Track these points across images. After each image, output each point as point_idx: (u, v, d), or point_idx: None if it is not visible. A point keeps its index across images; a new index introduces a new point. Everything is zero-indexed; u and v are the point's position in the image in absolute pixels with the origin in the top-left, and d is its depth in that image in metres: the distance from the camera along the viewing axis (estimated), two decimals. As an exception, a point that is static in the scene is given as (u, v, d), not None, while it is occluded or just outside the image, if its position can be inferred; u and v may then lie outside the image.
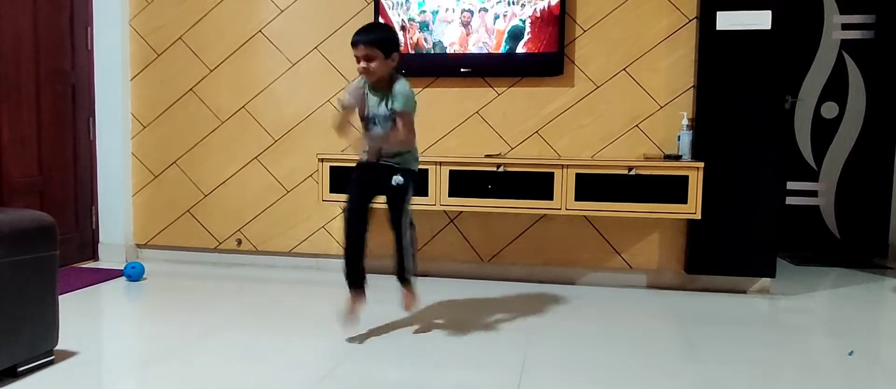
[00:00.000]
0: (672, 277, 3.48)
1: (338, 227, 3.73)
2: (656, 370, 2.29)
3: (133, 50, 3.93)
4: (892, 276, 3.91)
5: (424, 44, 3.49)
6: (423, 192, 3.30)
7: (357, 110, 2.51)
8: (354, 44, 2.42)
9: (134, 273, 3.46)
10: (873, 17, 4.49)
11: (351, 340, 2.53)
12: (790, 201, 4.68)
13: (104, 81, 3.92)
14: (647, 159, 3.26)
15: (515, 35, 3.41)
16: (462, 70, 3.49)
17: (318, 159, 3.43)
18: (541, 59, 3.41)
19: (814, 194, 4.68)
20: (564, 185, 3.20)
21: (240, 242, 3.89)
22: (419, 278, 3.57)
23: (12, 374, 2.07)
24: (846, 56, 4.54)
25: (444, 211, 3.60)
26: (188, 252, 3.97)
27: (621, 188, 3.16)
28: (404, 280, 2.63)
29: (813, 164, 4.66)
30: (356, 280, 2.58)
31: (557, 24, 3.35)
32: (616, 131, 3.46)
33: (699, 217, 3.15)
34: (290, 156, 3.78)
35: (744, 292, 3.39)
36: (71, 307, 2.87)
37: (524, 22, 3.38)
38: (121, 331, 2.81)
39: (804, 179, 4.67)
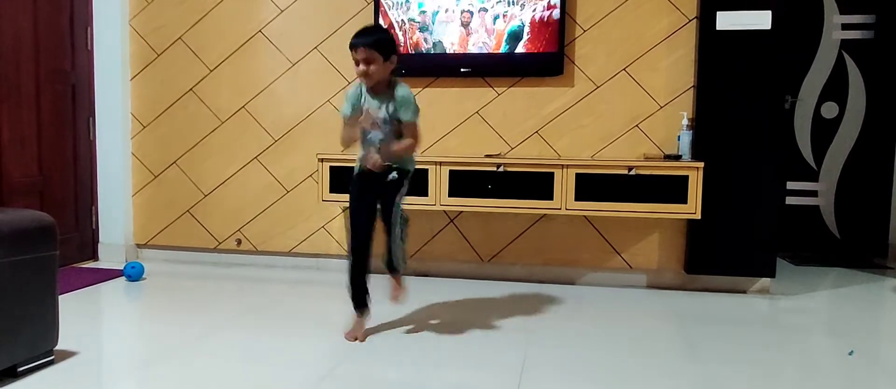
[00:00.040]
0: (672, 277, 3.48)
1: (338, 227, 3.73)
2: (656, 370, 2.29)
3: (133, 50, 3.93)
4: (892, 276, 3.91)
5: (424, 44, 3.49)
6: (423, 192, 3.30)
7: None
8: (353, 47, 2.40)
9: (134, 273, 3.46)
10: (873, 17, 4.49)
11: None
12: (790, 201, 4.68)
13: (104, 81, 3.92)
14: (647, 159, 3.26)
15: (515, 36, 3.41)
16: (462, 70, 3.49)
17: (318, 159, 3.43)
18: (541, 59, 3.41)
19: (814, 194, 4.68)
20: (564, 185, 3.20)
21: (240, 242, 3.89)
22: (419, 278, 3.60)
23: (12, 374, 2.07)
24: (846, 56, 4.54)
25: (444, 211, 3.60)
26: (188, 252, 3.97)
27: (621, 188, 3.16)
28: (393, 271, 2.66)
29: (813, 164, 4.66)
30: (362, 301, 2.58)
31: (557, 25, 3.35)
32: (616, 131, 3.46)
33: (699, 217, 3.15)
34: (290, 156, 3.78)
35: (744, 292, 3.39)
36: (71, 307, 2.87)
37: (523, 24, 3.38)
38: (121, 331, 2.81)
39: (804, 179, 4.67)
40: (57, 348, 2.22)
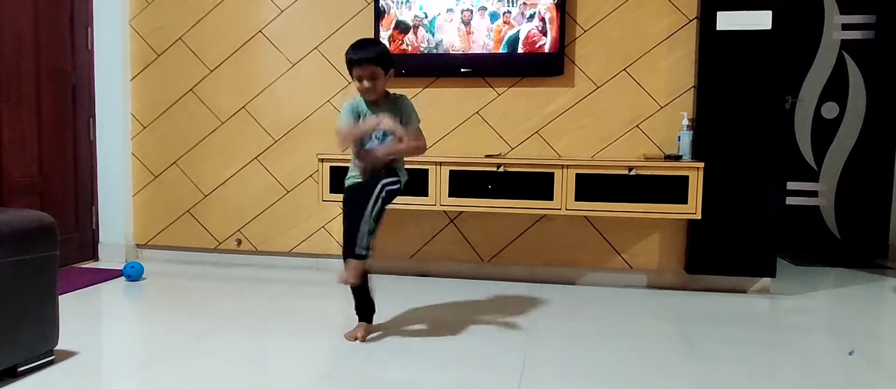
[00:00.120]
0: (672, 277, 3.48)
1: (338, 227, 3.73)
2: (656, 369, 2.29)
3: (133, 50, 3.93)
4: (892, 276, 3.91)
5: (426, 43, 3.49)
6: (424, 192, 3.30)
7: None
8: (356, 63, 2.36)
9: (133, 273, 3.46)
10: (873, 18, 4.49)
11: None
12: (790, 201, 4.68)
13: (104, 81, 3.92)
14: (647, 159, 3.26)
15: (512, 43, 3.41)
16: (462, 70, 3.49)
17: (318, 159, 3.43)
18: (541, 59, 3.41)
19: (814, 194, 4.68)
20: (564, 185, 3.20)
21: (240, 242, 3.89)
22: (419, 278, 3.60)
23: (12, 374, 2.07)
24: (846, 56, 4.54)
25: (444, 211, 3.60)
26: (188, 252, 3.97)
27: (621, 189, 3.16)
28: (354, 256, 2.39)
29: (813, 164, 4.66)
30: (365, 314, 2.58)
31: (557, 27, 3.36)
32: (616, 132, 3.46)
33: (699, 217, 3.15)
34: (290, 156, 3.78)
35: (744, 292, 3.39)
36: (71, 307, 2.87)
37: (519, 33, 3.38)
38: (121, 331, 2.81)
39: (804, 179, 4.67)
40: (57, 348, 2.22)
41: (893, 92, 4.48)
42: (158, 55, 3.90)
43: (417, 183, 3.27)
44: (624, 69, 3.43)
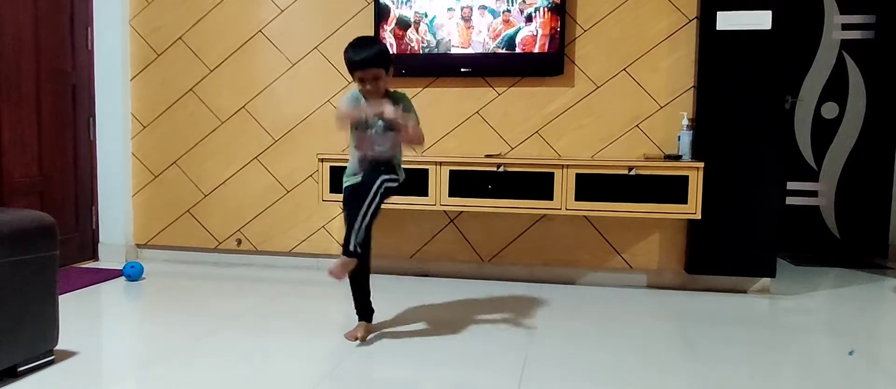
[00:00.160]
0: (672, 277, 3.48)
1: (338, 227, 3.73)
2: (656, 369, 2.29)
3: (133, 50, 3.93)
4: (892, 276, 3.91)
5: (427, 41, 3.49)
6: (424, 192, 3.30)
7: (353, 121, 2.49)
8: (359, 65, 2.35)
9: (133, 273, 3.46)
10: (873, 18, 4.49)
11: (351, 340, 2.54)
12: (790, 201, 4.68)
13: (104, 81, 3.92)
14: (647, 159, 3.26)
15: (512, 40, 3.41)
16: (462, 70, 3.50)
17: (319, 159, 3.43)
18: (541, 59, 3.41)
19: (814, 194, 4.68)
20: (564, 185, 3.20)
21: (240, 242, 3.89)
22: (419, 278, 3.60)
23: (12, 374, 2.07)
24: (846, 56, 4.54)
25: (444, 211, 3.60)
26: (188, 252, 3.97)
27: (621, 188, 3.16)
28: (348, 253, 2.35)
29: (813, 164, 4.66)
30: (365, 314, 2.58)
31: (556, 26, 3.36)
32: (616, 131, 3.46)
33: (699, 217, 3.15)
34: (290, 156, 3.78)
35: (744, 292, 3.39)
36: (71, 307, 2.87)
37: (518, 30, 3.38)
38: (121, 331, 2.81)
39: (804, 179, 4.67)
40: (57, 348, 2.22)
41: (893, 92, 4.49)
42: (158, 55, 3.90)
43: (417, 183, 3.27)
44: (624, 69, 3.43)
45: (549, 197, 3.22)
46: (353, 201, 2.44)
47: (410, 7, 3.48)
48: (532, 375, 2.18)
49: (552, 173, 3.21)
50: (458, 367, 2.27)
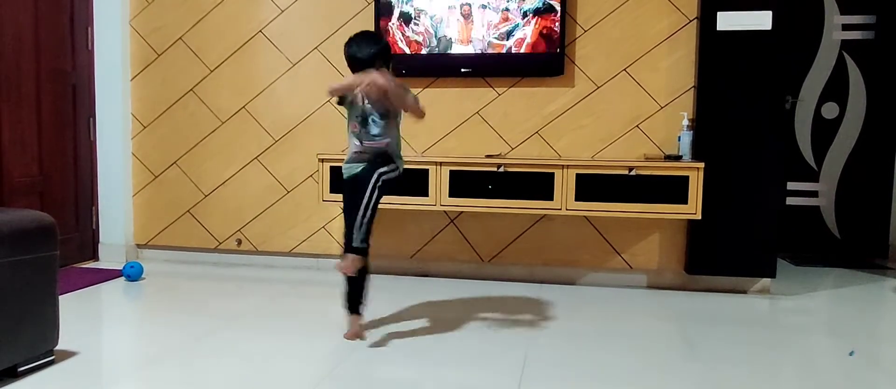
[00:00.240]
0: (672, 277, 3.48)
1: (338, 227, 3.73)
2: (656, 369, 2.29)
3: (133, 50, 3.93)
4: (892, 276, 3.91)
5: (427, 39, 3.49)
6: (424, 192, 3.30)
7: (349, 106, 2.49)
8: (360, 63, 2.36)
9: (133, 273, 3.46)
10: (874, 18, 4.49)
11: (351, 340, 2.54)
12: (790, 201, 4.68)
13: (104, 81, 3.92)
14: (647, 159, 3.26)
15: (510, 38, 3.41)
16: (462, 70, 3.50)
17: (319, 159, 3.43)
18: (541, 59, 3.41)
19: (814, 194, 4.68)
20: (565, 185, 3.20)
21: (240, 242, 3.89)
22: (419, 278, 3.60)
23: (12, 374, 2.07)
24: (847, 56, 4.54)
25: (444, 211, 3.60)
26: (188, 252, 3.97)
27: (621, 189, 3.16)
28: (351, 249, 2.39)
29: (813, 164, 4.66)
30: (354, 305, 2.58)
31: (556, 26, 3.36)
32: (616, 132, 3.46)
33: (699, 217, 3.15)
34: (290, 156, 3.78)
35: (744, 292, 3.39)
36: (71, 307, 2.87)
37: (516, 29, 3.38)
38: (121, 331, 2.81)
39: (804, 179, 4.67)
40: (57, 348, 2.22)
41: (893, 92, 4.48)
42: (158, 55, 3.90)
43: (417, 183, 3.27)
44: (624, 69, 3.43)
45: (550, 197, 3.22)
46: (352, 194, 2.47)
47: (411, 4, 3.48)
48: (532, 375, 2.18)
49: (552, 174, 3.21)
50: (458, 367, 2.27)
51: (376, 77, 2.29)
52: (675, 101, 3.40)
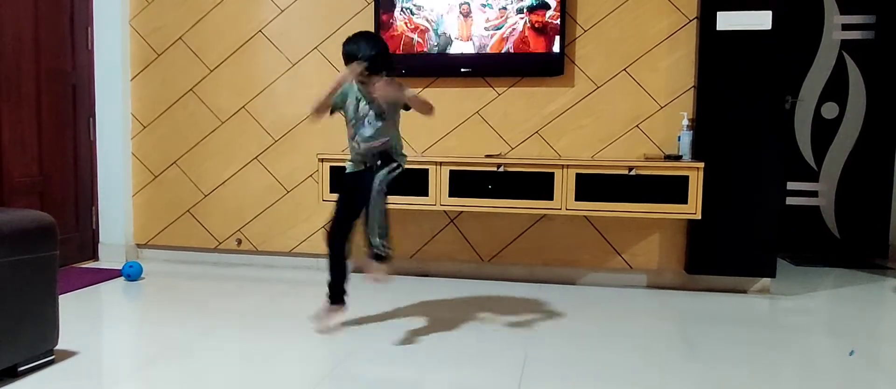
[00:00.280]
0: (672, 277, 3.47)
1: (338, 227, 3.73)
2: (657, 369, 2.29)
3: (133, 50, 3.93)
4: (892, 276, 3.91)
5: (428, 38, 3.49)
6: (424, 192, 3.30)
7: (344, 111, 2.52)
8: (368, 72, 2.36)
9: (132, 273, 3.46)
10: (873, 18, 4.49)
11: (351, 340, 2.54)
12: (790, 201, 4.68)
13: (104, 81, 3.92)
14: (647, 159, 3.26)
15: (509, 38, 3.41)
16: (462, 70, 3.50)
17: (318, 159, 3.43)
18: (541, 59, 3.41)
19: (814, 194, 4.68)
20: (565, 185, 3.20)
21: (240, 242, 3.89)
22: (419, 278, 3.60)
23: (12, 374, 2.07)
24: (846, 56, 4.54)
25: (444, 211, 3.60)
26: (188, 252, 3.97)
27: (621, 188, 3.16)
28: (377, 258, 2.47)
29: (813, 164, 4.66)
30: (339, 294, 2.62)
31: (556, 26, 3.36)
32: (616, 132, 3.46)
33: (699, 217, 3.15)
34: (290, 156, 3.78)
35: (744, 292, 3.39)
36: (71, 307, 2.87)
37: (515, 28, 3.39)
38: (121, 331, 2.81)
39: (804, 179, 4.67)
40: (57, 348, 2.22)
41: (893, 92, 4.48)
42: (158, 55, 3.90)
43: (417, 183, 3.27)
44: (624, 69, 3.43)
45: (550, 197, 3.22)
46: (350, 191, 2.53)
47: (411, 2, 3.48)
48: (532, 375, 2.18)
49: (552, 173, 3.21)
50: (457, 367, 2.27)
51: (383, 85, 2.33)
52: (675, 101, 3.40)
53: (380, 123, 2.45)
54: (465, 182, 3.28)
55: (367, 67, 2.36)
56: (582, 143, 3.49)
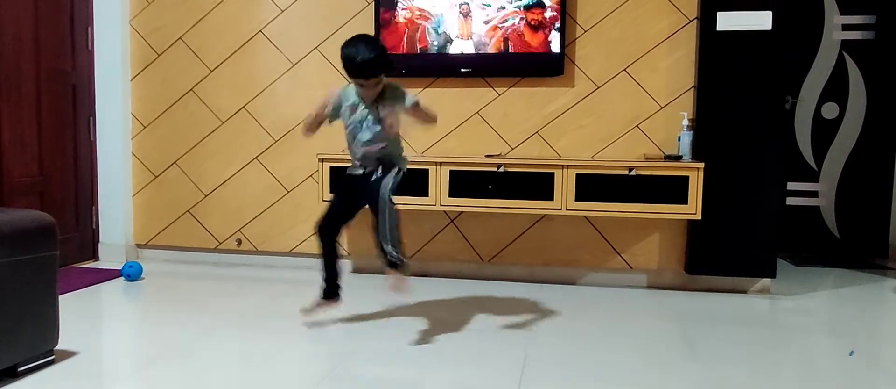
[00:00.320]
0: (672, 277, 3.47)
1: (338, 227, 3.73)
2: (657, 369, 2.29)
3: (133, 50, 3.93)
4: (892, 276, 3.91)
5: (428, 37, 3.49)
6: (424, 192, 3.30)
7: (342, 118, 2.54)
8: (366, 77, 2.36)
9: (132, 273, 3.46)
10: (874, 18, 4.49)
11: (351, 340, 2.54)
12: (790, 201, 4.68)
13: (104, 81, 3.92)
14: (647, 159, 3.26)
15: (508, 37, 3.41)
16: (462, 70, 3.50)
17: (319, 159, 3.43)
18: (541, 59, 3.41)
19: (814, 194, 4.68)
20: (565, 185, 3.20)
21: (240, 242, 3.89)
22: (419, 278, 3.60)
23: (12, 374, 2.07)
24: (847, 56, 4.54)
25: (445, 211, 3.60)
26: (188, 252, 3.97)
27: (622, 189, 3.16)
28: (392, 265, 2.48)
29: (813, 164, 4.66)
30: (331, 291, 2.68)
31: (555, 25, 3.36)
32: (616, 132, 3.46)
33: (699, 218, 3.15)
34: (290, 156, 3.78)
35: (744, 292, 3.39)
36: (71, 307, 2.87)
37: (514, 27, 3.39)
38: (121, 331, 2.81)
39: (804, 179, 4.67)
40: (57, 348, 2.22)
41: (893, 92, 4.48)
42: (158, 55, 3.90)
43: (417, 183, 3.27)
44: (624, 69, 3.43)
45: (550, 197, 3.22)
46: (348, 192, 2.59)
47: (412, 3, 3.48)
48: (532, 375, 2.18)
49: (552, 174, 3.21)
50: (457, 367, 2.27)
51: (395, 122, 2.38)
52: (675, 101, 3.40)
53: (378, 128, 2.45)
54: (465, 182, 3.28)
55: (366, 71, 2.35)
56: (582, 143, 3.49)
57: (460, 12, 3.45)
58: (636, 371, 2.27)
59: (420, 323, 2.75)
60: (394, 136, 2.49)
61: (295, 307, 3.06)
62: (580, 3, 3.43)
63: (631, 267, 3.50)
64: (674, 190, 3.13)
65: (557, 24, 3.36)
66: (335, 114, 2.53)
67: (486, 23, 3.42)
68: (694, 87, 3.36)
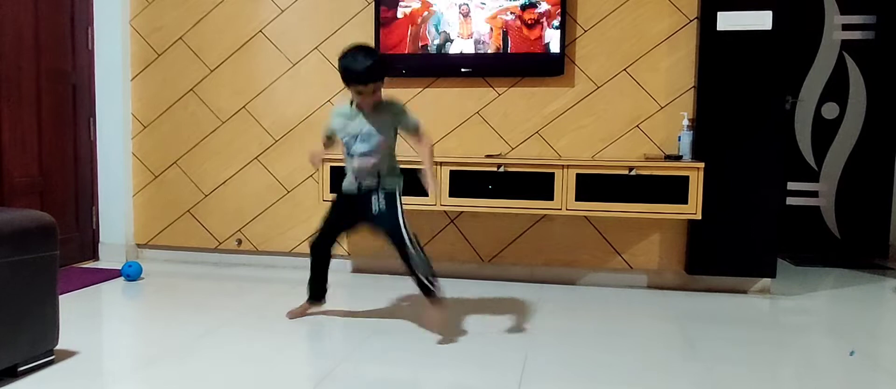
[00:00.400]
0: (672, 277, 3.47)
1: (338, 227, 3.73)
2: (657, 369, 2.29)
3: (133, 50, 3.93)
4: (892, 276, 3.91)
5: (429, 37, 3.49)
6: (424, 192, 3.29)
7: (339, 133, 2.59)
8: (360, 80, 2.38)
9: (131, 273, 3.46)
10: (874, 18, 4.49)
11: (351, 340, 2.54)
12: (791, 201, 4.68)
13: (104, 81, 3.92)
14: (647, 159, 3.26)
15: (507, 37, 3.41)
16: (462, 70, 3.49)
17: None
18: (542, 59, 3.41)
19: (814, 194, 4.68)
20: (565, 185, 3.20)
21: (240, 242, 3.89)
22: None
23: (12, 374, 2.07)
24: (847, 56, 4.54)
25: (445, 211, 3.60)
26: (188, 252, 3.97)
27: (622, 189, 3.16)
28: (427, 294, 2.54)
29: (813, 164, 4.66)
30: (318, 294, 2.75)
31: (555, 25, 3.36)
32: (616, 132, 3.46)
33: (700, 218, 3.14)
34: (290, 156, 3.78)
35: (744, 292, 3.39)
36: (71, 307, 2.87)
37: (512, 26, 3.39)
38: (121, 331, 2.81)
39: (804, 179, 4.67)
40: (57, 348, 2.22)
41: (893, 92, 4.48)
42: (159, 55, 3.90)
43: (417, 183, 3.26)
44: (624, 69, 3.43)
45: (550, 197, 3.22)
46: (342, 214, 2.63)
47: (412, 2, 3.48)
48: (532, 375, 2.18)
49: (552, 174, 3.21)
50: (457, 367, 2.27)
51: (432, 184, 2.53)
52: (676, 101, 3.40)
53: (375, 139, 2.49)
54: (465, 182, 3.28)
55: (364, 76, 2.37)
56: (582, 143, 3.49)
57: (460, 12, 3.45)
58: (636, 371, 2.27)
59: (420, 323, 2.75)
60: (389, 149, 2.52)
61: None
62: (580, 3, 3.43)
63: (631, 267, 3.50)
64: (674, 190, 3.13)
65: (556, 22, 3.36)
66: (332, 133, 2.60)
67: (485, 12, 3.42)
68: (694, 87, 3.36)
